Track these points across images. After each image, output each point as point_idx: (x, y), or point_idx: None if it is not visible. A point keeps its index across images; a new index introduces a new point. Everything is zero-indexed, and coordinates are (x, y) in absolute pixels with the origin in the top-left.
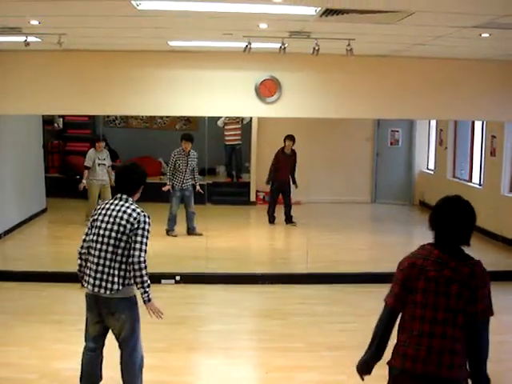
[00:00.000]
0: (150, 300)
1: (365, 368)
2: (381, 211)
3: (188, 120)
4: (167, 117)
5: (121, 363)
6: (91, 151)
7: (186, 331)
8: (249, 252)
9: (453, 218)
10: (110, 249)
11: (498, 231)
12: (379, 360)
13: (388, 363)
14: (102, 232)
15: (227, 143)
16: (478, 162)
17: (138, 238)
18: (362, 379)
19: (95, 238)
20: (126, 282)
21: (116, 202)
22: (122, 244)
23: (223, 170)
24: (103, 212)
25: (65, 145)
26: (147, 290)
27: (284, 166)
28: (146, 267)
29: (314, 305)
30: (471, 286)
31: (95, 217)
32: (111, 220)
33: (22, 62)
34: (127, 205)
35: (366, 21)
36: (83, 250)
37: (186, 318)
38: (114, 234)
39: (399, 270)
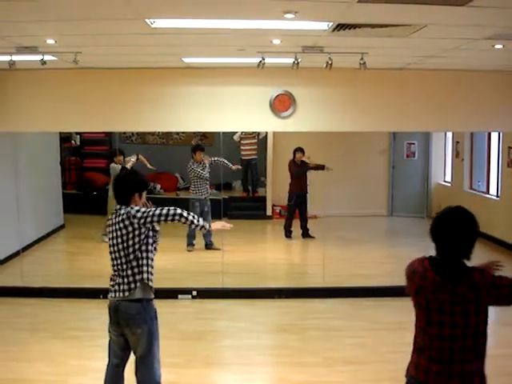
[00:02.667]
0: (204, 226)
1: None
2: (397, 224)
3: (204, 135)
4: (183, 132)
5: (137, 382)
6: (114, 165)
7: (203, 346)
8: (265, 266)
9: (452, 230)
10: (124, 259)
11: None
12: None
13: (406, 372)
14: (111, 249)
15: (243, 158)
16: (495, 173)
17: (151, 213)
18: None
19: (110, 255)
20: (142, 276)
21: (114, 216)
22: (136, 246)
23: (239, 184)
24: (109, 229)
25: (82, 161)
26: (199, 223)
27: (298, 175)
28: (176, 214)
29: (331, 319)
30: (477, 298)
31: (108, 234)
32: (115, 234)
33: (38, 80)
34: (119, 214)
35: (379, 35)
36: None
37: (203, 333)
38: (121, 246)
39: (406, 277)
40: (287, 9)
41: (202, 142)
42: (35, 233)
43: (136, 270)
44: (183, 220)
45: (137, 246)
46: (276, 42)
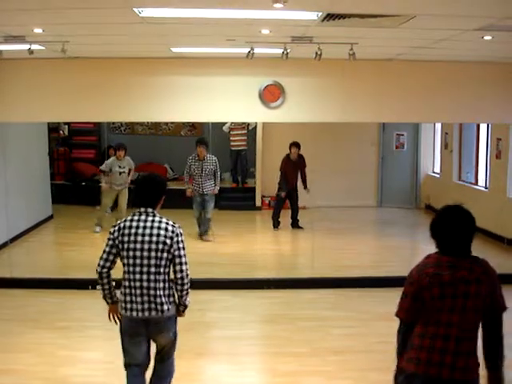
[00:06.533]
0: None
1: None
2: (387, 215)
3: (193, 126)
4: (172, 123)
5: (155, 373)
6: (112, 159)
7: (193, 337)
8: (254, 257)
9: (456, 227)
10: (153, 269)
11: (504, 233)
12: None
13: (399, 367)
14: (139, 254)
15: (233, 148)
16: (484, 164)
17: (182, 252)
18: None
19: (132, 261)
20: (171, 299)
21: (143, 217)
22: (163, 262)
23: (228, 175)
24: (133, 231)
25: (71, 152)
26: (188, 300)
27: (291, 172)
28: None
29: (320, 309)
30: (488, 283)
31: (124, 238)
32: (147, 239)
33: (26, 69)
34: (158, 219)
35: (368, 25)
36: (105, 270)
37: (192, 323)
38: (154, 254)
39: (409, 284)
40: None
41: (192, 132)
42: (24, 224)
43: (167, 292)
44: (185, 286)
45: (168, 263)
46: (265, 32)
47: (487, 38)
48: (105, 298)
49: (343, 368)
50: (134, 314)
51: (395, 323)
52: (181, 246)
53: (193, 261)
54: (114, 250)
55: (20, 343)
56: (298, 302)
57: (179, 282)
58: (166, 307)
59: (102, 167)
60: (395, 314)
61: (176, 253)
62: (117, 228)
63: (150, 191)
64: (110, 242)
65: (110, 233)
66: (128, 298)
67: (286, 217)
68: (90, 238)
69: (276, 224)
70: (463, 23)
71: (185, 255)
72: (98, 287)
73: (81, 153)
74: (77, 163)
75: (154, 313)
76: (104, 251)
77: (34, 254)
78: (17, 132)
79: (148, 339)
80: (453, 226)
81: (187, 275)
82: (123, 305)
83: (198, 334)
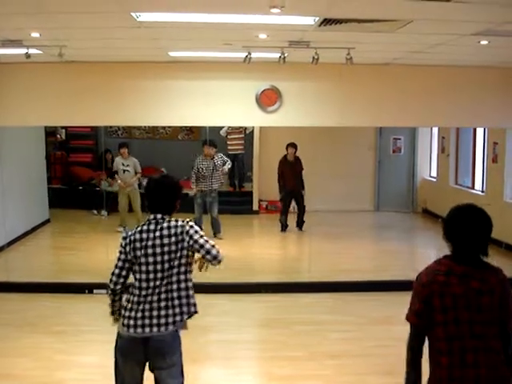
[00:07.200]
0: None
1: None
2: (384, 219)
3: (190, 130)
4: (169, 127)
5: None
6: (117, 158)
7: (188, 342)
8: (251, 261)
9: (471, 227)
10: (175, 278)
11: (501, 238)
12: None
13: None
14: (152, 268)
15: (230, 152)
16: (481, 168)
17: (201, 241)
18: None
19: (145, 275)
20: (190, 309)
21: (153, 227)
22: (183, 268)
23: (226, 179)
24: (145, 244)
25: (68, 156)
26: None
27: (289, 173)
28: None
29: (317, 313)
30: (502, 294)
31: (136, 252)
32: (159, 250)
33: (23, 73)
34: (167, 225)
35: (365, 30)
36: (118, 286)
37: (189, 327)
38: (167, 265)
39: (418, 290)
40: (274, 3)
41: (189, 136)
42: (20, 227)
43: (184, 301)
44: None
45: (188, 268)
46: (262, 36)
47: (484, 42)
48: (113, 314)
49: (340, 372)
50: (136, 330)
51: (392, 327)
52: (196, 237)
53: None
54: (127, 265)
55: (17, 348)
56: (296, 306)
57: (214, 261)
58: (177, 318)
59: (114, 167)
60: (406, 317)
61: (196, 246)
62: (128, 241)
63: (163, 197)
64: (123, 257)
65: (122, 246)
66: (133, 314)
67: (293, 219)
68: (87, 242)
69: (284, 227)
70: (460, 28)
71: (207, 241)
72: (95, 291)
73: (78, 157)
74: (74, 167)
75: (162, 328)
76: (116, 266)
77: (31, 258)
78: (14, 136)
79: (144, 362)
80: (468, 226)
81: (219, 253)
82: (125, 321)
83: (192, 339)
